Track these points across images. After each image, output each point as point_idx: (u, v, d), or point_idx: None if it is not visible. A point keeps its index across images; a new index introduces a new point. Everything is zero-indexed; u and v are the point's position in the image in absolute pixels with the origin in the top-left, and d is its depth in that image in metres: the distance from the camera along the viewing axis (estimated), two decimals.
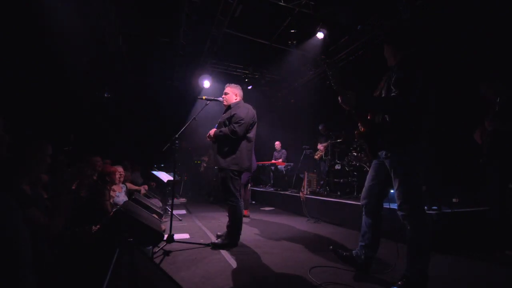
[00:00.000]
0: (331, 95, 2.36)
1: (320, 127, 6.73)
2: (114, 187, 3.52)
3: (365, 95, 1.84)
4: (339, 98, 1.83)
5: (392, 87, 1.77)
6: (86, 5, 5.09)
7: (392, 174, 1.80)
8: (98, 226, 2.29)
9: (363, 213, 2.05)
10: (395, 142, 1.78)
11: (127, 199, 3.58)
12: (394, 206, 2.06)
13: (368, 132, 1.96)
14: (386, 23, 5.22)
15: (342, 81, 1.86)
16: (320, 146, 6.52)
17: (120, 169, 3.62)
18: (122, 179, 3.69)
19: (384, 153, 1.85)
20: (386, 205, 2.06)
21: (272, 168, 7.38)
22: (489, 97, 2.74)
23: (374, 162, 2.03)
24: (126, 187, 4.41)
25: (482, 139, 2.83)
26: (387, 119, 1.83)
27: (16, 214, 1.02)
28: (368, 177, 2.06)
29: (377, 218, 2.01)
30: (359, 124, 2.05)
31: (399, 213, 1.77)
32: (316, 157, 6.48)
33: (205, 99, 3.10)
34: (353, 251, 2.09)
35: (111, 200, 3.06)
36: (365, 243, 2.02)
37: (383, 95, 1.90)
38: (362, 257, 2.02)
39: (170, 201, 3.54)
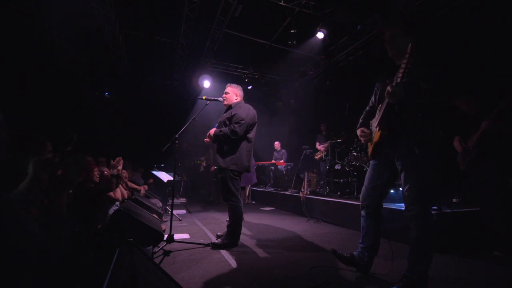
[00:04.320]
0: (331, 95, 2.35)
1: (321, 126, 6.74)
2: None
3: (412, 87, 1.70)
4: (388, 89, 1.68)
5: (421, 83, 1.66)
6: (86, 5, 5.10)
7: (404, 174, 1.76)
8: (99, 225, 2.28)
9: (364, 214, 2.04)
10: (421, 141, 1.71)
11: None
12: (394, 206, 2.06)
13: (388, 132, 1.83)
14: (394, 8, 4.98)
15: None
16: (320, 147, 6.51)
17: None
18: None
19: (398, 153, 1.79)
20: (386, 205, 2.06)
21: (272, 168, 7.38)
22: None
23: (372, 162, 2.01)
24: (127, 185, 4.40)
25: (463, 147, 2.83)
26: (419, 116, 1.72)
27: (18, 215, 1.02)
28: (368, 178, 2.03)
29: (378, 218, 2.01)
30: (375, 123, 1.92)
31: (407, 213, 1.74)
32: (316, 157, 6.48)
33: (205, 99, 3.09)
34: (354, 252, 2.07)
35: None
36: (366, 244, 2.01)
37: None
38: (364, 258, 2.01)
39: (170, 201, 3.54)
